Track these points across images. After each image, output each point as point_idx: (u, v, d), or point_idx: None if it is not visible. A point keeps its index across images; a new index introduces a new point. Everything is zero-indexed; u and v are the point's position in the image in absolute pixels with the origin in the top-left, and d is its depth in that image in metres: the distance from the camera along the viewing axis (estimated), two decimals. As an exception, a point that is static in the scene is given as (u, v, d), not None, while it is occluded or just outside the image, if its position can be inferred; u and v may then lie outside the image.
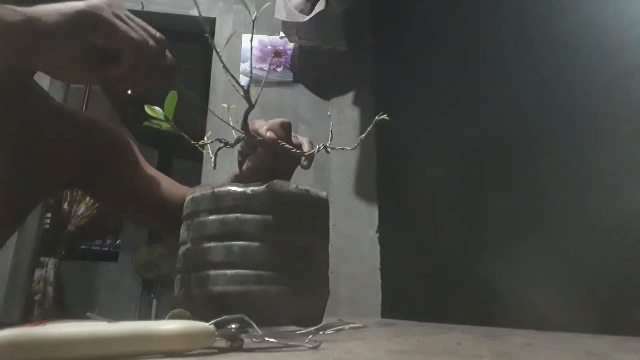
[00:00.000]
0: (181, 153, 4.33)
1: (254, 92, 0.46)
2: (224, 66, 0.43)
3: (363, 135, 0.55)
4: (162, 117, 0.46)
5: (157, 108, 0.46)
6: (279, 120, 0.54)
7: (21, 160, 0.63)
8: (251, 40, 0.43)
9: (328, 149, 0.53)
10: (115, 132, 0.77)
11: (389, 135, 1.84)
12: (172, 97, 0.45)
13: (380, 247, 1.84)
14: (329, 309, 0.51)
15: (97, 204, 3.79)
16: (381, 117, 0.54)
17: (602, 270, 0.77)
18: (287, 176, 0.57)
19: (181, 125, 0.46)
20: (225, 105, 0.53)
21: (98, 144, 0.72)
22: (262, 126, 0.52)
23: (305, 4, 1.78)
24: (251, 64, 0.48)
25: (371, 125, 0.54)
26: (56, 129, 0.66)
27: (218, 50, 0.42)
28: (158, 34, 0.47)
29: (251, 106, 0.46)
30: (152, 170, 0.78)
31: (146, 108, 0.46)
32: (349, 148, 0.54)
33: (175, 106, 0.46)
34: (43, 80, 1.87)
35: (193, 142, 0.49)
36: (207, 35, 0.41)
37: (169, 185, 0.78)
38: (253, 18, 0.43)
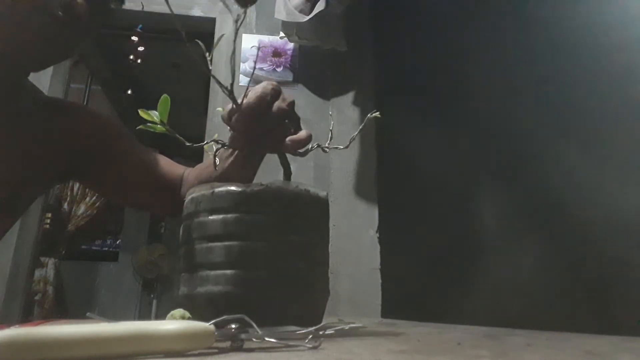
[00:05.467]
0: (181, 152, 4.32)
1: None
2: (209, 69, 0.44)
3: (355, 133, 0.55)
4: (157, 121, 0.46)
5: (152, 112, 0.46)
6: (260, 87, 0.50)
7: (16, 154, 0.63)
8: (234, 41, 0.43)
9: (323, 148, 0.53)
10: (103, 115, 0.77)
11: (389, 135, 1.84)
12: (165, 100, 0.46)
13: (380, 247, 1.84)
14: (329, 309, 0.51)
15: (97, 204, 3.79)
16: (374, 114, 0.55)
17: (603, 270, 0.77)
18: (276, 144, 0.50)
19: (182, 125, 0.46)
20: (219, 109, 0.53)
21: (87, 130, 0.72)
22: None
23: (305, 4, 1.78)
24: (233, 65, 0.47)
25: (362, 124, 0.54)
26: (45, 121, 0.67)
27: (207, 53, 0.44)
28: None
29: (237, 106, 0.47)
30: (146, 150, 0.77)
31: (140, 112, 0.46)
32: (341, 147, 0.54)
33: (174, 108, 0.46)
34: (43, 81, 1.87)
35: (188, 144, 0.49)
36: (197, 41, 0.42)
37: (165, 162, 0.78)
38: (235, 18, 0.44)
